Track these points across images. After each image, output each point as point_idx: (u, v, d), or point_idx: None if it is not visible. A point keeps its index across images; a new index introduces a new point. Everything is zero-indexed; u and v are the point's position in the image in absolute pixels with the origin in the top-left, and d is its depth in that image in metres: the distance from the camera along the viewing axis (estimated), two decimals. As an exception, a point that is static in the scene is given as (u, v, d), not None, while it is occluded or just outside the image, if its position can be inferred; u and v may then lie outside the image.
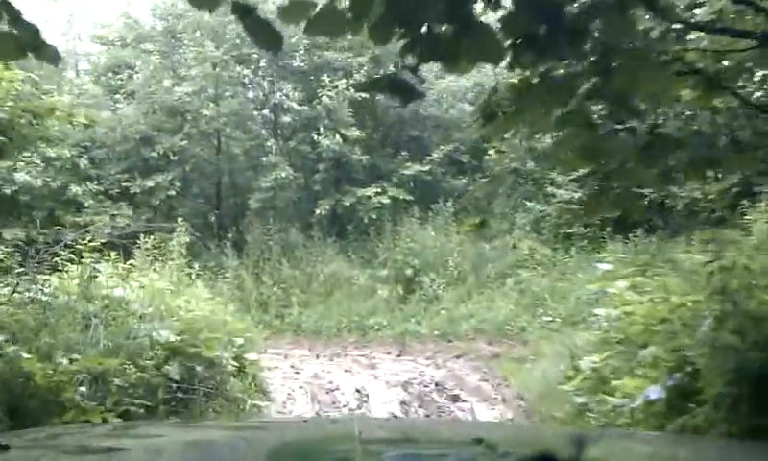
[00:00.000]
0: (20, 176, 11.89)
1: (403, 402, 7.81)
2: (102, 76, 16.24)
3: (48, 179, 12.48)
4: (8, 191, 11.90)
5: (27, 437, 1.92)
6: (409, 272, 13.94)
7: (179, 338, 5.41)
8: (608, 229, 13.39)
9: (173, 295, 6.59)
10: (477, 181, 16.65)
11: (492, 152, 16.61)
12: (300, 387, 8.57)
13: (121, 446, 1.66)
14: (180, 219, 8.18)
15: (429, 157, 15.77)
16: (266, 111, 15.67)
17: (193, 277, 8.44)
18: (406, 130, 16.21)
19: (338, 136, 14.27)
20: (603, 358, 5.81)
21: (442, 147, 15.79)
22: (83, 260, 6.45)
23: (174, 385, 4.96)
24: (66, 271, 6.32)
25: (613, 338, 6.51)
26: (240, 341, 7.21)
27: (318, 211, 14.70)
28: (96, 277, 5.74)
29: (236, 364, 6.54)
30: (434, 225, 14.91)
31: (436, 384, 8.70)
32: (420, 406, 7.64)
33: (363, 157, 14.83)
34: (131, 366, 4.53)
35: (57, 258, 6.86)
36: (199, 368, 5.19)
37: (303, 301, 14.04)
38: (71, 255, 6.87)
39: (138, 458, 1.59)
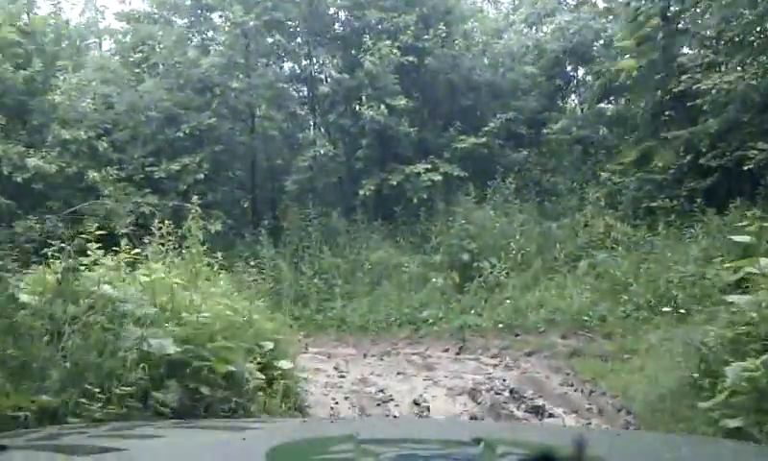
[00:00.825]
0: (32, 161, 10.83)
1: (473, 417, 6.35)
2: (127, 54, 15.14)
3: (63, 164, 11.39)
4: (19, 179, 10.85)
5: (27, 437, 1.95)
6: (466, 257, 12.43)
7: (181, 348, 4.06)
8: (698, 200, 11.61)
9: (186, 291, 5.24)
10: (540, 152, 15.02)
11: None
12: (346, 398, 7.20)
13: (121, 446, 1.66)
14: (195, 199, 6.72)
15: (485, 129, 14.21)
16: (302, 83, 14.27)
17: (216, 268, 7.10)
18: (458, 98, 14.62)
19: (382, 106, 12.82)
20: (763, 363, 4.22)
21: (498, 116, 14.15)
22: (88, 254, 5.26)
23: (171, 415, 3.62)
24: (49, 264, 5.04)
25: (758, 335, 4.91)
26: (270, 345, 5.84)
27: (362, 192, 13.31)
28: (77, 270, 4.43)
29: (263, 376, 5.18)
30: (493, 203, 13.35)
31: (511, 391, 7.20)
32: (495, 422, 6.15)
33: (411, 130, 13.34)
34: (98, 395, 3.21)
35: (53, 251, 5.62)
36: (205, 389, 3.84)
37: (347, 292, 12.72)
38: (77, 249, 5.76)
39: (138, 458, 1.59)
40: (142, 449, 1.68)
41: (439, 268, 12.64)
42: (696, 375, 5.26)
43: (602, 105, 14.33)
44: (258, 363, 5.37)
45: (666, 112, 13.11)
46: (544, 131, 14.91)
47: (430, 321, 11.55)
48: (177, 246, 7.16)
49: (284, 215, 13.68)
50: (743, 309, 5.39)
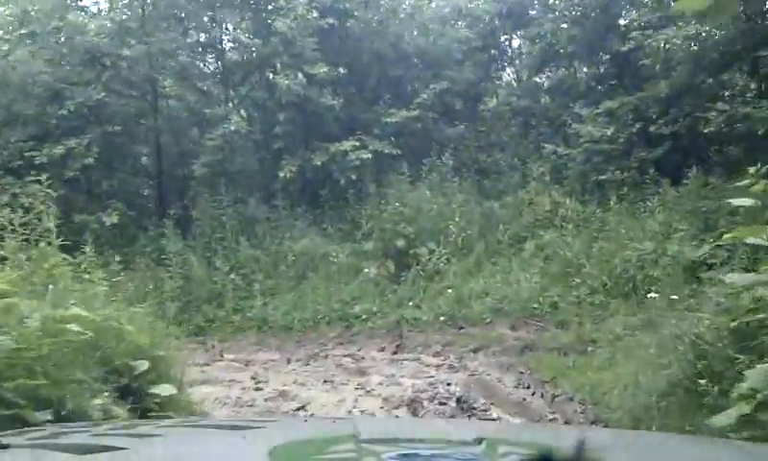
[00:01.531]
0: None
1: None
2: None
3: None
4: None
5: (27, 436, 1.89)
6: (401, 243, 11.24)
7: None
8: (650, 171, 10.77)
9: (9, 298, 3.77)
10: (477, 127, 13.95)
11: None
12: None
13: (121, 446, 1.63)
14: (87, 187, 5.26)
15: (417, 101, 12.97)
16: (209, 51, 12.67)
17: (85, 266, 5.61)
18: (386, 68, 13.37)
19: (300, 75, 11.42)
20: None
21: (432, 86, 12.96)
22: None
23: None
24: None
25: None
26: (143, 366, 4.42)
27: (282, 175, 11.90)
28: None
29: (124, 410, 3.77)
30: (428, 183, 12.19)
31: (458, 400, 6.03)
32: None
33: (334, 102, 11.98)
34: None
35: None
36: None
37: (269, 288, 11.32)
38: None
39: (138, 457, 1.59)
40: (142, 449, 1.67)
41: (371, 257, 11.41)
42: (692, 376, 4.18)
43: (542, 73, 13.33)
44: (119, 391, 3.94)
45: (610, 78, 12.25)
46: (480, 105, 13.85)
47: (363, 316, 10.32)
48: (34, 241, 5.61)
49: (194, 203, 12.10)
50: (740, 290, 4.32)
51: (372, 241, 11.54)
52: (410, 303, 10.41)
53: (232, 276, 11.22)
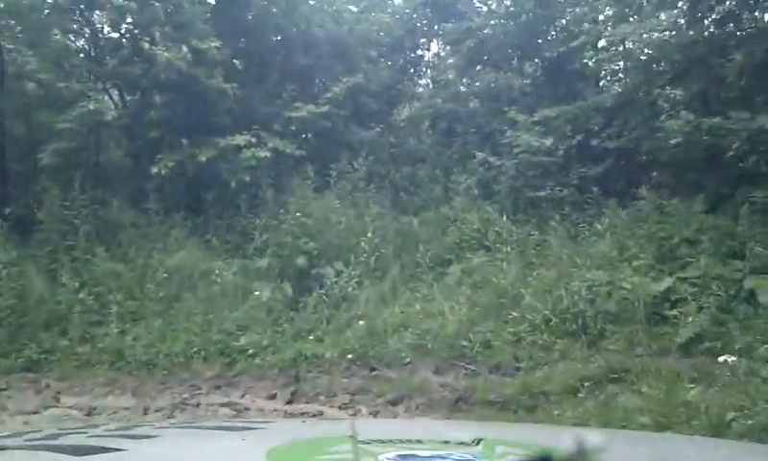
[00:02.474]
0: None
1: None
2: None
3: None
4: None
5: (27, 437, 1.96)
6: (302, 261, 9.36)
7: None
8: (594, 189, 9.50)
9: None
10: (394, 131, 12.33)
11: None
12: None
13: (121, 446, 1.65)
14: None
15: (326, 96, 11.18)
16: (70, 12, 10.29)
17: None
18: (293, 54, 11.50)
19: (185, 49, 9.31)
20: None
21: (344, 80, 11.21)
22: None
23: None
24: None
25: None
26: None
27: (156, 170, 9.70)
28: None
29: None
30: (337, 192, 10.38)
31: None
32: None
33: (227, 87, 9.96)
34: None
35: None
36: None
37: (130, 312, 9.13)
38: None
39: (138, 458, 1.59)
40: (142, 450, 1.68)
41: (265, 276, 9.43)
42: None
43: (469, 74, 11.90)
44: None
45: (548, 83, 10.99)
46: (399, 106, 12.26)
47: (250, 351, 8.32)
48: None
49: (40, 202, 9.64)
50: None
51: (267, 257, 9.57)
52: (310, 336, 8.52)
53: (82, 295, 8.89)
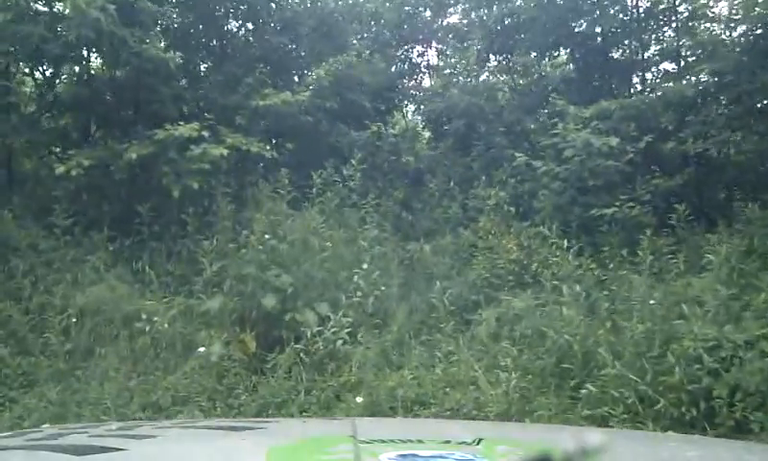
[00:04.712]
0: None
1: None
2: None
3: None
4: None
5: (27, 437, 1.96)
6: (271, 302, 6.84)
7: None
8: (678, 206, 7.13)
9: None
10: (395, 132, 9.92)
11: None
12: None
13: (121, 446, 1.68)
14: None
15: (307, 82, 8.74)
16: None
17: None
18: (263, 27, 9.03)
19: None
20: None
21: (331, 61, 8.76)
22: None
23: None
24: None
25: None
26: None
27: (62, 170, 7.07)
28: None
29: None
30: (321, 206, 7.84)
31: None
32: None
33: (169, 57, 7.42)
34: None
35: None
36: None
37: (20, 374, 6.44)
38: None
39: (138, 458, 1.61)
40: (142, 449, 1.70)
41: (216, 323, 6.86)
42: None
43: (494, 59, 9.50)
44: None
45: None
46: (401, 98, 9.84)
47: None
48: None
49: None
50: None
51: (220, 296, 6.96)
52: (281, 415, 5.87)
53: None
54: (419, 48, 11.12)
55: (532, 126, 8.33)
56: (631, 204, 7.09)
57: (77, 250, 7.28)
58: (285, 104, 8.38)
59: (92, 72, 8.15)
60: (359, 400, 5.78)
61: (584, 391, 5.45)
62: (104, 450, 1.61)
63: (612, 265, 6.70)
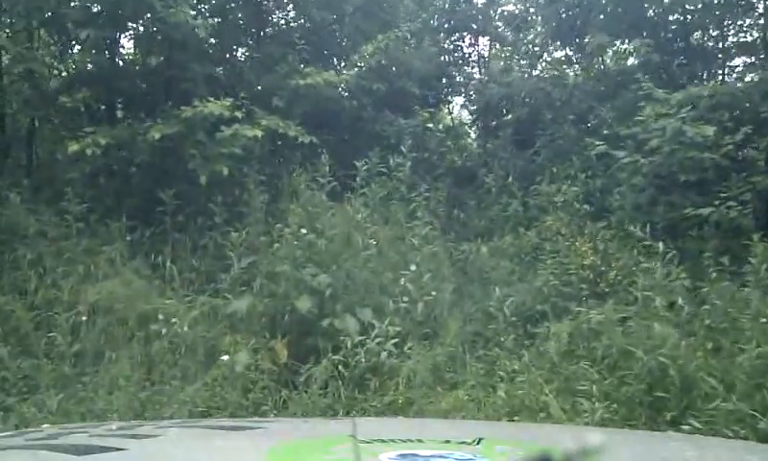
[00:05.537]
0: None
1: None
2: None
3: None
4: None
5: (27, 437, 1.96)
6: (306, 305, 5.91)
7: None
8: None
9: None
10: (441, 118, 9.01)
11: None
12: None
13: (121, 446, 1.68)
14: None
15: (353, 60, 7.89)
16: None
17: None
18: (304, 4, 8.21)
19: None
20: None
21: (380, 39, 7.91)
22: None
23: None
24: None
25: None
26: None
27: (77, 149, 6.32)
28: None
29: None
30: (364, 199, 6.95)
31: None
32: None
33: (198, 25, 6.63)
34: None
35: None
36: None
37: (20, 378, 5.71)
38: None
39: (138, 458, 1.60)
40: (142, 449, 1.69)
41: (243, 328, 5.99)
42: None
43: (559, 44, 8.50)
44: None
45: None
46: (454, 84, 8.93)
47: None
48: None
49: None
50: None
51: (249, 296, 6.11)
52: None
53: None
54: (469, 38, 10.25)
55: (607, 114, 7.32)
56: (730, 203, 6.03)
57: (91, 239, 6.51)
58: (328, 84, 7.54)
59: (118, 45, 7.43)
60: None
61: (685, 427, 4.44)
62: (104, 450, 1.60)
63: (710, 275, 5.66)
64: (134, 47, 7.97)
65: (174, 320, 5.84)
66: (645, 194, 6.69)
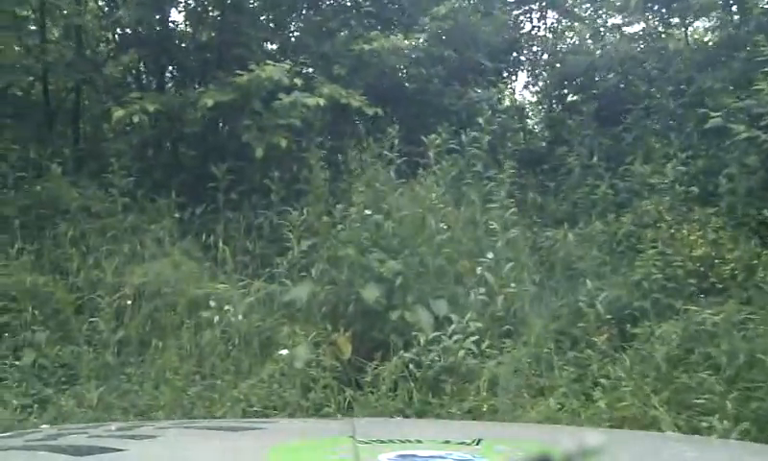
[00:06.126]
0: None
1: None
2: None
3: None
4: None
5: (27, 437, 1.98)
6: (372, 294, 5.25)
7: None
8: None
9: None
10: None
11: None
12: None
13: (121, 446, 1.66)
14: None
15: (423, 23, 7.20)
16: None
17: None
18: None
19: None
20: None
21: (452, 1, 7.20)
22: None
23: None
24: None
25: None
26: None
27: (117, 115, 5.77)
28: None
29: None
30: (436, 178, 6.22)
31: None
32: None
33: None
34: None
35: None
36: None
37: (58, 366, 5.24)
38: None
39: (138, 458, 1.59)
40: (142, 449, 1.68)
41: (302, 318, 5.37)
42: None
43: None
44: None
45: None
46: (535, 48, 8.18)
47: None
48: None
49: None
50: None
51: (310, 283, 5.47)
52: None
53: None
54: (539, 7, 9.39)
55: (713, 85, 6.43)
56: None
57: (137, 216, 5.98)
58: (394, 51, 6.83)
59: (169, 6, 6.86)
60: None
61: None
62: (103, 451, 1.58)
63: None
64: (185, 9, 7.42)
65: (227, 307, 5.25)
66: (758, 176, 5.82)
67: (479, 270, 5.60)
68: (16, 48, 6.54)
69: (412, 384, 4.81)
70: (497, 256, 5.72)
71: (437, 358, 4.93)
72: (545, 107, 9.05)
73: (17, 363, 4.92)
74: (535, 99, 9.35)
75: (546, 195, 7.22)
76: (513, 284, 5.64)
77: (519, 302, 5.57)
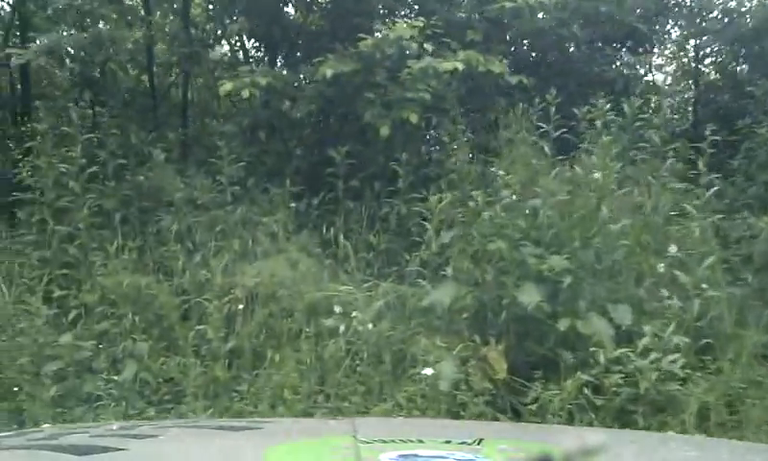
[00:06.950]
0: None
1: None
2: None
3: None
4: None
5: (27, 437, 1.95)
6: (531, 298, 4.22)
7: None
8: None
9: None
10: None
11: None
12: None
13: (121, 446, 1.66)
14: None
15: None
16: None
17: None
18: None
19: None
20: None
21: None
22: None
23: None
24: None
25: None
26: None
27: (229, 87, 5.01)
28: None
29: None
30: (600, 153, 5.07)
31: None
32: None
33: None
34: None
35: None
36: None
37: (159, 384, 4.34)
38: None
39: (138, 458, 1.58)
40: (142, 449, 1.69)
41: (444, 327, 4.35)
42: None
43: None
44: None
45: None
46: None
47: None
48: None
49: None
50: None
51: (451, 284, 4.48)
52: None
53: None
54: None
55: None
56: None
57: (248, 208, 5.20)
58: (539, 6, 5.74)
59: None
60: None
61: None
62: (104, 450, 1.56)
63: None
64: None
65: (353, 313, 4.35)
66: None
67: (661, 267, 4.45)
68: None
69: (592, 415, 3.74)
70: (683, 250, 4.55)
71: (621, 382, 3.83)
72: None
73: (116, 378, 4.23)
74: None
75: (729, 175, 5.90)
76: (703, 285, 4.45)
77: (717, 307, 4.38)
